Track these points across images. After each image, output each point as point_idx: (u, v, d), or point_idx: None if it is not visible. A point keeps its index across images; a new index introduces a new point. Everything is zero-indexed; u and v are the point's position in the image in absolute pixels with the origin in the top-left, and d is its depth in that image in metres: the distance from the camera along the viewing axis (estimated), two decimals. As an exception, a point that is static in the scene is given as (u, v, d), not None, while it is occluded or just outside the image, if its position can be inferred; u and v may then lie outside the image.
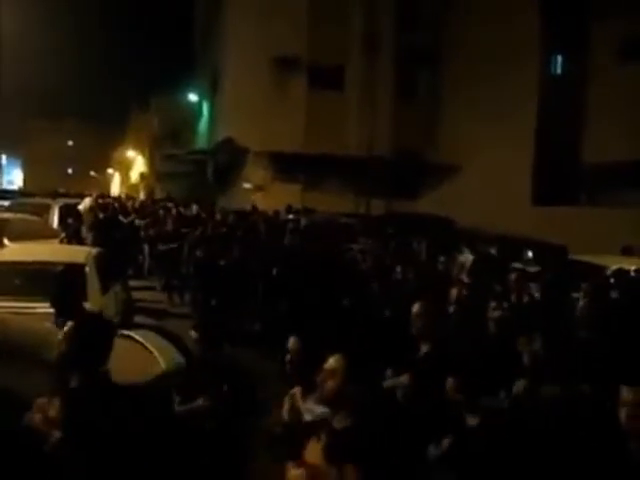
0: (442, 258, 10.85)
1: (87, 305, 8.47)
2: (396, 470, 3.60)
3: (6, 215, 16.55)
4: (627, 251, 15.28)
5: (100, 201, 25.79)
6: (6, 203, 21.02)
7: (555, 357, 5.55)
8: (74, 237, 15.37)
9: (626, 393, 3.63)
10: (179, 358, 6.80)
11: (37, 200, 22.33)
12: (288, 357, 5.07)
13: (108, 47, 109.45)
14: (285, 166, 31.05)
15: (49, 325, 7.30)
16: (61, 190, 43.57)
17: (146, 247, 18.10)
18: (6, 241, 11.99)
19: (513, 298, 7.65)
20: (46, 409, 3.50)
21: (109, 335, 3.90)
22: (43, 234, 14.80)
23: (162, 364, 6.50)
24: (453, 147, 30.34)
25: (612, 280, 8.03)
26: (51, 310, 7.81)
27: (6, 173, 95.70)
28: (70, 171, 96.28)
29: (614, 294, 7.71)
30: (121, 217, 20.54)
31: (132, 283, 14.68)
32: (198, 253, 13.54)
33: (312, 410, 4.45)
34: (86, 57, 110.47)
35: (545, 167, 27.77)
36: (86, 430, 3.43)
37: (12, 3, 55.94)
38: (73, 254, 10.19)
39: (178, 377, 5.93)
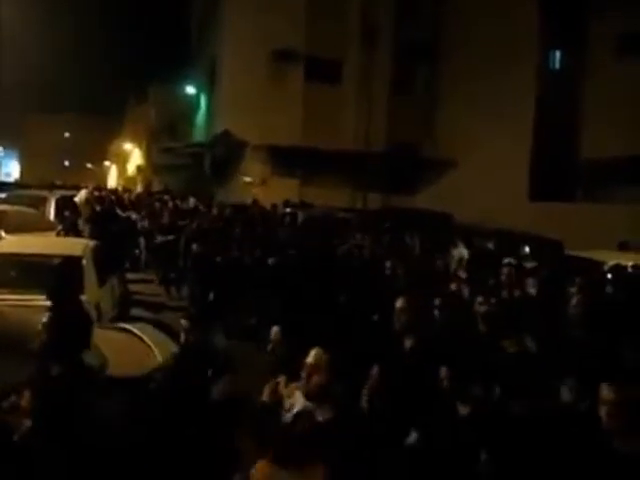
0: (436, 253, 10.84)
1: (84, 298, 8.49)
2: (373, 464, 3.62)
3: (3, 207, 16.53)
4: (624, 247, 15.31)
5: (96, 194, 25.74)
6: (2, 195, 20.97)
7: (546, 355, 5.58)
8: (71, 230, 15.33)
9: (606, 391, 3.64)
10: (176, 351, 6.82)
11: (34, 192, 22.25)
12: (270, 347, 5.07)
13: (105, 40, 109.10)
14: (283, 160, 31.02)
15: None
16: (58, 182, 43.47)
17: (142, 240, 18.09)
18: (3, 233, 11.98)
19: (505, 293, 7.64)
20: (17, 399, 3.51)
21: (87, 324, 3.92)
22: (40, 226, 14.79)
23: (159, 357, 6.52)
24: (451, 142, 30.33)
25: (609, 276, 8.02)
26: (48, 303, 7.83)
27: (3, 165, 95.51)
28: (67, 163, 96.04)
29: (610, 289, 7.71)
30: (118, 210, 20.53)
31: (129, 276, 14.70)
32: (195, 247, 13.54)
33: (294, 399, 4.44)
34: (83, 50, 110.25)
35: (542, 162, 27.79)
36: (57, 419, 3.43)
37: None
38: (70, 247, 10.20)
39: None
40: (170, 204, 20.87)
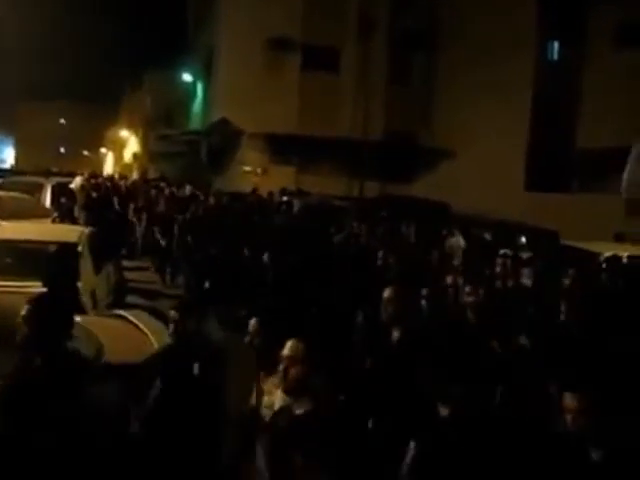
0: (432, 242, 10.79)
1: (80, 285, 8.49)
2: (352, 458, 3.56)
3: (-2, 193, 16.48)
4: (619, 238, 15.35)
5: (92, 181, 25.68)
6: (-2, 181, 20.90)
7: (537, 352, 5.54)
8: (67, 216, 15.30)
9: (569, 399, 3.62)
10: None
11: (29, 179, 22.16)
12: (247, 339, 4.97)
13: (101, 26, 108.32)
14: (279, 148, 30.97)
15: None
16: (54, 169, 43.34)
17: (138, 228, 18.06)
18: (-2, 219, 11.94)
19: (499, 284, 7.62)
20: None
21: (67, 314, 3.88)
22: (35, 213, 14.75)
23: (155, 344, 6.52)
24: (448, 132, 30.30)
25: (605, 266, 8.03)
26: (43, 289, 7.81)
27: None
28: (62, 150, 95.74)
29: (606, 281, 7.71)
30: (115, 197, 20.51)
31: (125, 263, 14.70)
32: (189, 235, 13.52)
33: (272, 393, 4.39)
34: (79, 36, 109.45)
35: (539, 153, 27.78)
36: (28, 413, 3.40)
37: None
38: (66, 233, 10.17)
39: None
40: (167, 191, 20.82)
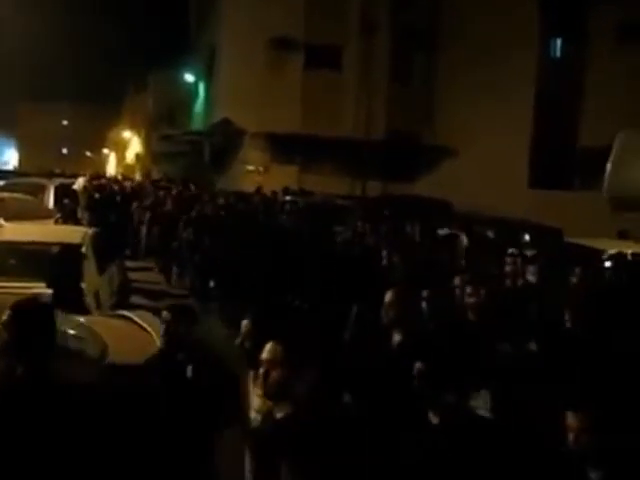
0: (438, 242, 10.70)
1: (84, 286, 8.50)
2: (337, 465, 3.43)
3: (1, 195, 16.47)
4: (623, 235, 15.30)
5: (95, 182, 25.73)
6: (1, 183, 20.91)
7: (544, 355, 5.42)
8: (70, 217, 15.31)
9: (571, 419, 3.56)
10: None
11: (32, 180, 22.17)
12: (239, 340, 4.84)
13: (103, 27, 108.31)
14: (282, 147, 30.95)
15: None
16: (57, 170, 43.40)
17: (144, 228, 17.98)
18: (1, 221, 11.94)
19: (509, 283, 7.54)
20: None
21: (48, 321, 3.76)
22: (38, 214, 14.75)
23: (159, 344, 6.51)
24: (450, 130, 30.25)
25: (610, 264, 7.99)
26: (47, 290, 7.82)
27: (1, 153, 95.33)
28: (65, 151, 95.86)
29: (611, 278, 7.67)
30: (118, 198, 20.55)
31: (129, 264, 14.72)
32: (195, 235, 13.51)
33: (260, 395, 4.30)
34: (81, 37, 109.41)
35: (542, 150, 27.73)
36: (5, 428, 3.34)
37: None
38: (69, 234, 10.17)
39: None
40: (174, 191, 20.76)
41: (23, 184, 19.94)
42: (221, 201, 18.08)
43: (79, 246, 9.07)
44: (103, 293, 9.20)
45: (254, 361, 4.33)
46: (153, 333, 6.81)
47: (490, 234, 14.85)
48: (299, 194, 22.53)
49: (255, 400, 4.43)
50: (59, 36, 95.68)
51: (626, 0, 24.04)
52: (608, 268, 8.60)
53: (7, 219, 12.20)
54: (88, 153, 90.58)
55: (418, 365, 4.21)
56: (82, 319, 6.63)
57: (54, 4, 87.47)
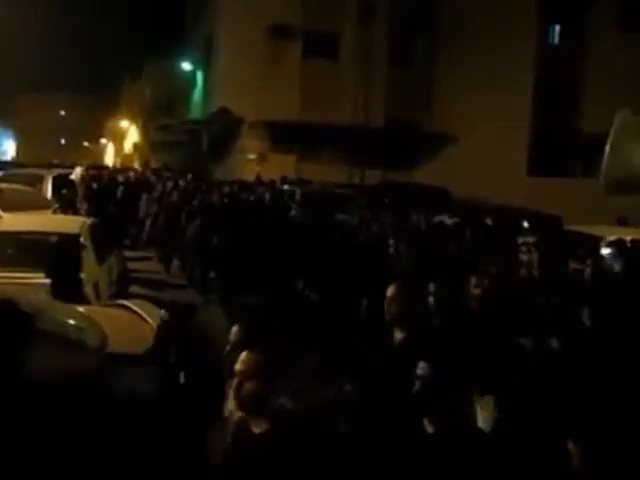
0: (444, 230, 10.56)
1: (83, 276, 8.48)
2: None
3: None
4: (622, 222, 15.30)
5: (92, 172, 25.68)
6: (-1, 174, 20.88)
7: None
8: (69, 207, 15.27)
9: (571, 447, 3.47)
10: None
11: (30, 171, 22.16)
12: (228, 348, 4.68)
13: (100, 17, 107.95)
14: (280, 136, 30.87)
15: (44, 295, 7.30)
16: (55, 161, 43.34)
17: (150, 219, 17.83)
18: (0, 211, 11.93)
19: (523, 273, 7.30)
20: None
21: (24, 330, 3.65)
22: (36, 204, 14.73)
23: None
24: (449, 117, 30.17)
25: (610, 251, 7.95)
26: (46, 280, 7.81)
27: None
28: (63, 141, 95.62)
29: (611, 265, 7.62)
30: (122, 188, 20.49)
31: (130, 254, 14.72)
32: (196, 226, 13.43)
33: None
34: (78, 27, 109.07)
35: (541, 138, 27.69)
36: None
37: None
38: (68, 224, 10.16)
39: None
40: (181, 182, 20.65)
41: (21, 175, 19.93)
42: (226, 190, 18.04)
43: (78, 236, 9.05)
44: (102, 283, 9.19)
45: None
46: (152, 323, 6.81)
47: (489, 222, 14.82)
48: (297, 183, 22.48)
49: (229, 411, 4.28)
50: (57, 28, 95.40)
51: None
52: (608, 256, 8.55)
53: (5, 210, 12.21)
54: (86, 143, 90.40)
55: (421, 367, 3.95)
56: (81, 309, 6.61)
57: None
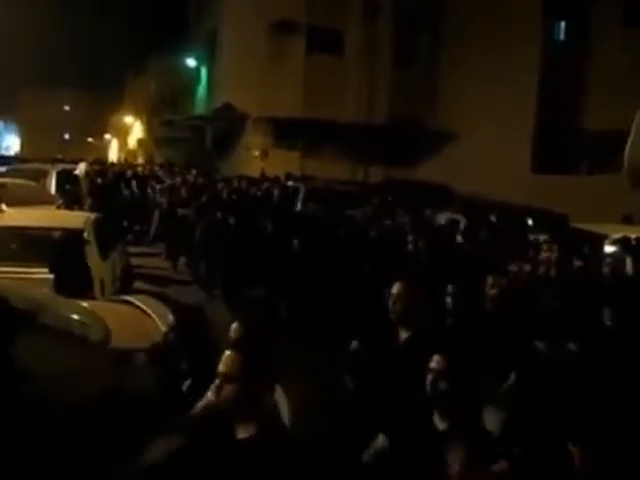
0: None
1: (86, 270, 8.46)
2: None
3: (3, 180, 16.44)
4: (627, 220, 15.26)
5: (96, 167, 25.67)
6: (3, 169, 20.85)
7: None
8: (74, 203, 15.26)
9: (573, 448, 3.41)
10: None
11: (34, 166, 22.14)
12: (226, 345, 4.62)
13: (104, 12, 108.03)
14: (284, 132, 30.84)
15: (47, 290, 7.29)
16: (59, 156, 43.36)
17: (157, 213, 17.73)
18: (3, 206, 11.91)
19: (542, 271, 7.21)
20: None
21: (16, 326, 3.58)
22: (40, 200, 14.69)
23: (162, 328, 6.49)
24: (453, 114, 30.09)
25: (615, 249, 7.90)
26: (49, 275, 7.80)
27: (2, 139, 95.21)
28: (67, 137, 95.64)
29: (616, 263, 7.57)
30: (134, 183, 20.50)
31: (136, 250, 14.71)
32: (203, 221, 13.38)
33: None
34: (82, 22, 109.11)
35: (546, 135, 27.61)
36: None
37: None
38: (71, 220, 10.13)
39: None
40: (189, 177, 20.61)
41: (25, 170, 19.90)
42: (235, 185, 18.03)
43: (81, 231, 9.03)
44: (106, 278, 9.17)
45: None
46: (156, 318, 6.79)
47: (493, 219, 14.77)
48: (301, 179, 22.45)
49: None
50: (60, 24, 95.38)
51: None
52: (613, 253, 8.51)
53: (9, 205, 12.16)
54: (90, 139, 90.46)
55: (435, 360, 3.81)
56: (85, 304, 6.60)
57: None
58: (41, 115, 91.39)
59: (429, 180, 24.97)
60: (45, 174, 18.87)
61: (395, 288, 4.85)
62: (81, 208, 15.34)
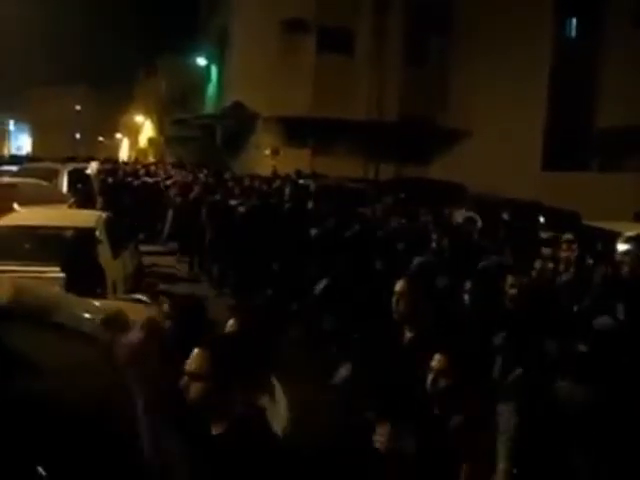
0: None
1: (98, 269, 8.47)
2: None
3: (15, 180, 16.52)
4: (639, 217, 15.18)
5: (108, 166, 25.76)
6: (15, 168, 20.97)
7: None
8: (86, 202, 15.30)
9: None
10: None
11: (46, 165, 22.26)
12: None
13: (114, 10, 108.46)
14: (294, 131, 30.83)
15: (59, 289, 7.29)
16: (72, 155, 43.54)
17: (171, 212, 17.71)
18: (16, 205, 11.95)
19: (562, 269, 7.06)
20: None
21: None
22: (52, 199, 14.74)
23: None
24: (464, 111, 30.01)
25: (631, 245, 7.81)
26: (62, 274, 7.81)
27: (14, 139, 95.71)
28: (78, 136, 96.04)
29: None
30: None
31: (150, 248, 14.75)
32: (217, 220, 13.36)
33: None
34: (93, 20, 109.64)
35: (557, 132, 27.49)
36: None
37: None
38: (83, 218, 10.15)
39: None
40: (202, 178, 20.57)
41: (37, 169, 20.01)
42: (247, 183, 18.03)
43: (93, 230, 9.05)
44: (118, 277, 9.19)
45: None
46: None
47: (505, 217, 14.70)
48: (312, 177, 22.44)
49: None
50: (72, 24, 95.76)
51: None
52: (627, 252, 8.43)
53: (21, 204, 12.21)
54: (101, 138, 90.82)
55: (435, 359, 3.75)
56: (97, 303, 6.60)
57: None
58: (52, 115, 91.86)
59: (441, 178, 24.94)
60: (56, 173, 18.96)
61: (398, 286, 4.76)
62: (93, 207, 15.37)
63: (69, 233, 9.04)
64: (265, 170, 25.74)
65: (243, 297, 11.34)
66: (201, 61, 45.24)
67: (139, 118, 69.29)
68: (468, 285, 5.99)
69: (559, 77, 27.58)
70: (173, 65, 52.63)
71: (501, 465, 3.95)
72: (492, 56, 28.01)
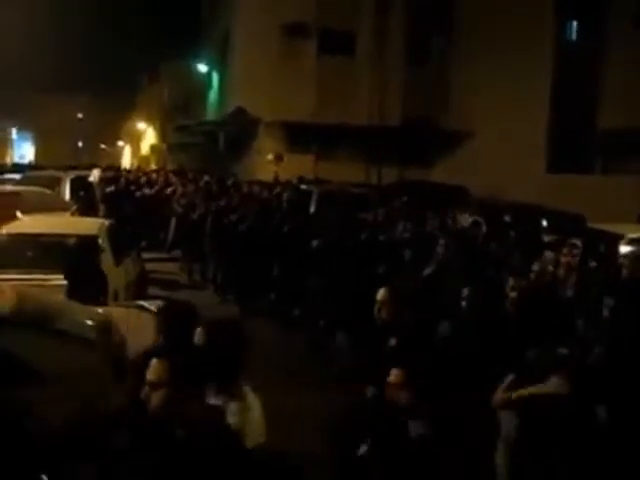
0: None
1: (101, 276, 8.47)
2: None
3: (18, 188, 16.55)
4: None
5: (110, 174, 25.72)
6: (18, 177, 21.00)
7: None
8: (89, 209, 15.29)
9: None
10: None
11: (49, 173, 22.31)
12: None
13: (115, 17, 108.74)
14: (297, 136, 30.81)
15: (62, 297, 7.29)
16: (74, 164, 43.62)
17: (174, 220, 17.67)
18: (18, 214, 11.97)
19: (563, 273, 6.97)
20: None
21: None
22: (55, 206, 14.77)
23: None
24: (466, 114, 29.96)
25: (635, 247, 7.78)
26: (64, 282, 7.81)
27: (17, 147, 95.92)
28: (80, 144, 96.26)
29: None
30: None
31: (153, 255, 14.73)
32: (220, 226, 13.34)
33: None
34: (93, 28, 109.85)
35: (560, 134, 27.48)
36: None
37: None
38: (86, 226, 10.18)
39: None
40: (202, 183, 20.52)
41: (39, 177, 20.07)
42: (245, 190, 18.01)
43: (96, 238, 9.07)
44: (120, 284, 9.19)
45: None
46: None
47: (508, 219, 14.67)
48: (315, 182, 22.39)
49: None
50: (73, 31, 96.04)
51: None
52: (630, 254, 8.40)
53: (24, 212, 12.23)
54: (103, 146, 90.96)
55: (393, 374, 3.78)
56: (99, 310, 6.60)
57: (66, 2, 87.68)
58: (55, 123, 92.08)
59: (443, 181, 24.88)
60: (59, 181, 18.99)
61: (379, 295, 4.77)
62: (95, 214, 15.38)
63: (72, 241, 9.06)
64: (268, 176, 25.72)
65: (246, 303, 11.38)
66: (202, 67, 45.32)
67: (141, 125, 69.39)
68: (467, 290, 5.98)
69: (561, 79, 27.60)
70: (175, 72, 52.72)
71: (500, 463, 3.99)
72: (493, 56, 28.00)
